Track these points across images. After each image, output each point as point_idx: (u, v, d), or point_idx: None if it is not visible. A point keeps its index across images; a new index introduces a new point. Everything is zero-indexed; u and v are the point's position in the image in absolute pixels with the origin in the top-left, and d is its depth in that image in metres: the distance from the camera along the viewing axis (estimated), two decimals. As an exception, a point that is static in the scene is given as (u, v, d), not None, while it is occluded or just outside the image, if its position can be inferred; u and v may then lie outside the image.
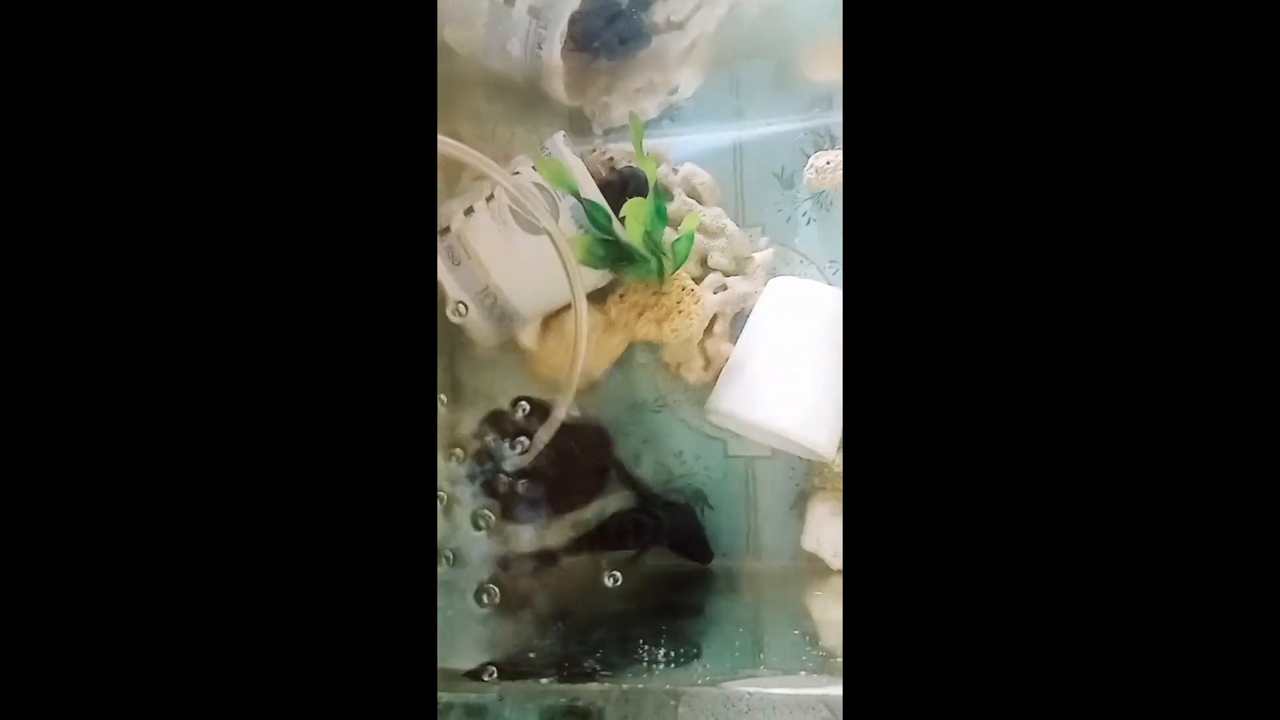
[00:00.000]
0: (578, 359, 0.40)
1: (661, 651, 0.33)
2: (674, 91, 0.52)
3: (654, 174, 0.43)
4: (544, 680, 0.29)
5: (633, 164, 0.48)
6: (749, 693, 0.29)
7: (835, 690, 0.31)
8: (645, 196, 0.44)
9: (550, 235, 0.40)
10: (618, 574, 0.41)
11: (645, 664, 0.32)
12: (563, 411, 0.41)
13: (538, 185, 0.44)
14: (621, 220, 0.43)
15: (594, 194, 0.44)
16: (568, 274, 0.40)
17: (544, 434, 0.41)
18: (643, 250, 0.44)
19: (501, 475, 0.43)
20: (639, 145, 0.43)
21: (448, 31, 0.49)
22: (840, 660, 0.34)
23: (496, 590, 0.41)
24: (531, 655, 0.33)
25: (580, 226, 0.46)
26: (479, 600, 0.41)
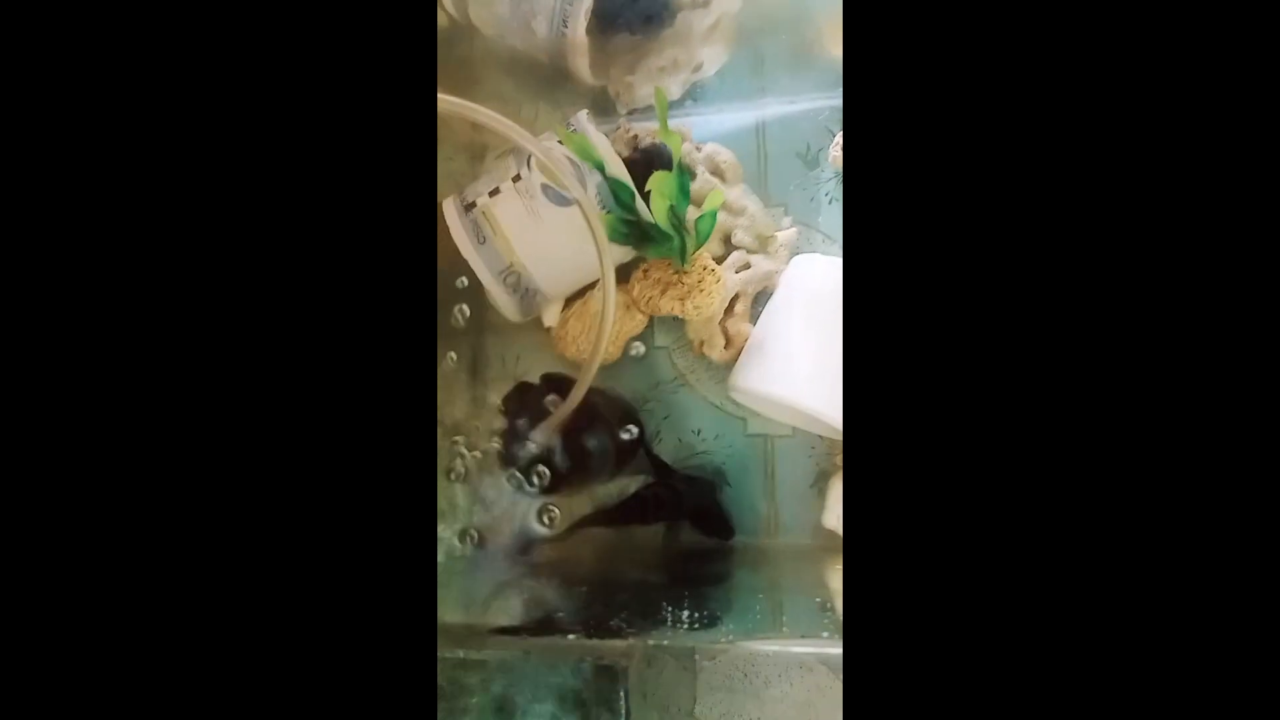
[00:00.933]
0: (604, 328, 0.40)
1: (686, 614, 0.33)
2: (698, 69, 0.52)
3: (679, 149, 0.44)
4: (571, 636, 0.30)
5: (656, 141, 0.48)
6: (769, 652, 0.29)
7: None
8: (663, 171, 0.44)
9: (580, 204, 0.40)
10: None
11: (670, 624, 0.32)
12: (585, 385, 0.41)
13: (566, 157, 0.44)
14: (646, 195, 0.43)
15: (619, 171, 0.44)
16: (596, 241, 0.40)
17: (566, 408, 0.41)
18: (666, 228, 0.44)
19: (524, 450, 0.44)
20: (664, 120, 0.43)
21: (472, 10, 0.49)
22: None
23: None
24: (560, 615, 0.33)
25: (603, 205, 0.46)
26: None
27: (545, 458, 0.45)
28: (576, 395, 0.41)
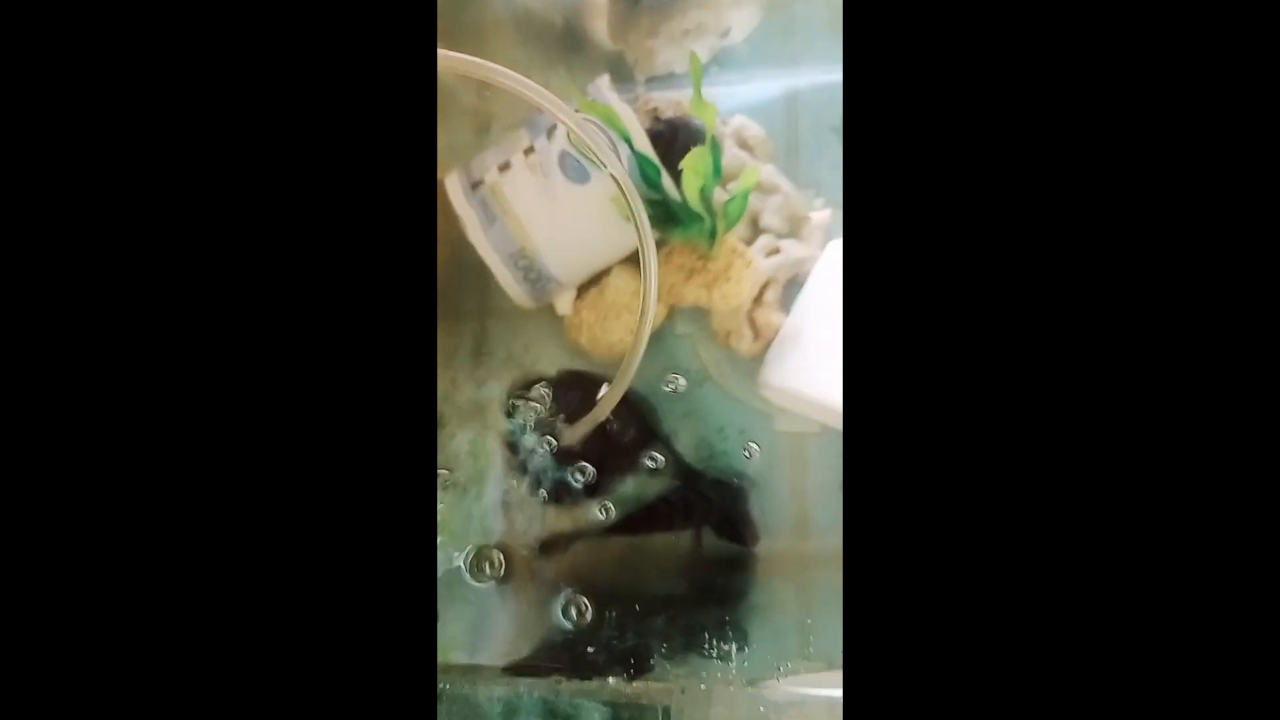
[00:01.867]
0: (646, 321, 0.36)
1: (733, 647, 0.30)
2: (725, 34, 0.48)
3: (712, 123, 0.39)
4: (612, 680, 0.27)
5: (681, 114, 0.44)
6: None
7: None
8: (700, 147, 0.40)
9: (615, 179, 0.35)
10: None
11: (715, 658, 0.29)
12: (624, 385, 0.37)
13: (595, 125, 0.39)
14: (676, 174, 0.39)
15: (645, 145, 0.40)
16: (635, 220, 0.36)
17: (603, 408, 0.38)
18: (697, 208, 0.40)
19: (539, 451, 0.40)
20: (698, 89, 0.39)
21: (480, -34, 0.44)
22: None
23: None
24: (590, 650, 0.30)
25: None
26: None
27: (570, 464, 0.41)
28: (615, 395, 0.37)
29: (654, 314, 0.37)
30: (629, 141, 0.40)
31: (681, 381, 0.43)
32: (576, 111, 0.41)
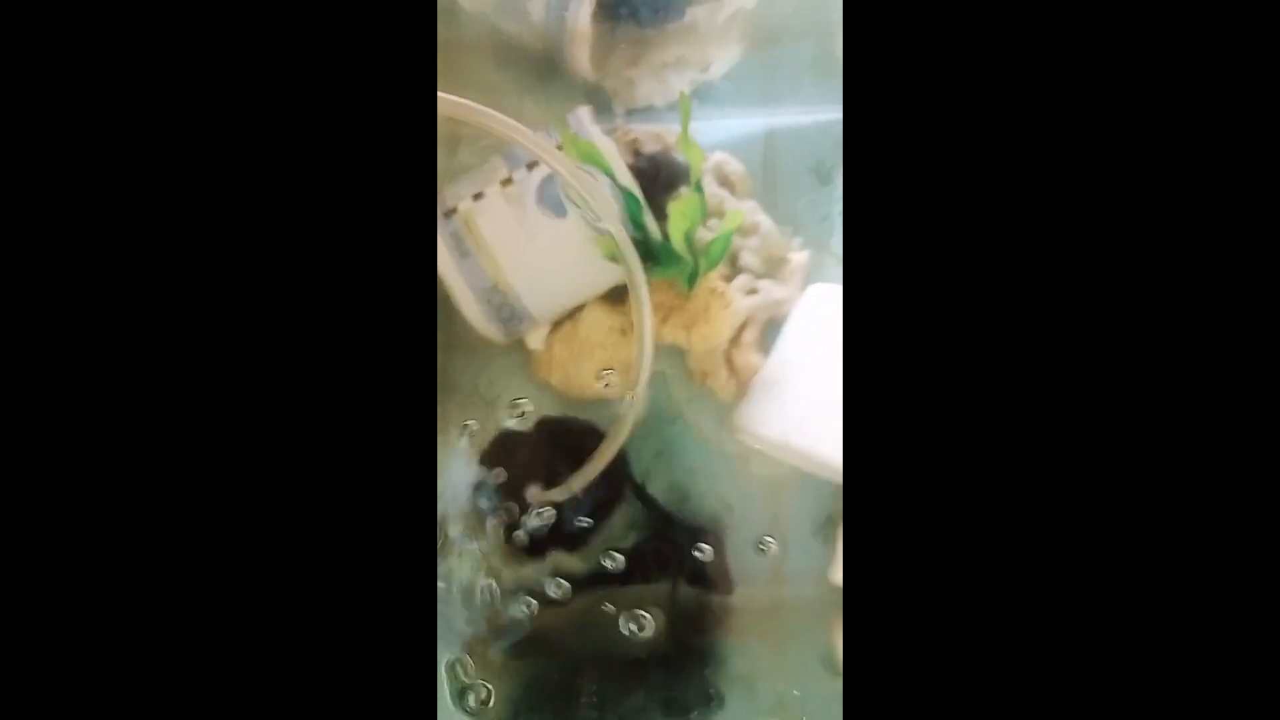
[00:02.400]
0: (643, 371, 0.34)
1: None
2: (706, 69, 0.47)
3: (699, 164, 0.38)
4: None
5: (665, 149, 0.43)
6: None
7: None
8: (683, 187, 0.39)
9: (613, 236, 0.34)
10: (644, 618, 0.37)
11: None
12: (617, 444, 0.35)
13: (586, 172, 0.38)
14: (657, 211, 0.38)
15: (628, 181, 0.39)
16: (630, 274, 0.34)
17: (595, 466, 0.36)
18: (680, 251, 0.39)
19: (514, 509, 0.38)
20: (685, 128, 0.38)
21: (456, -15, 0.43)
22: None
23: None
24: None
25: (602, 219, 0.40)
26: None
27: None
28: (603, 459, 0.35)
29: (649, 374, 0.36)
30: (611, 176, 0.38)
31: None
32: (559, 148, 0.39)
